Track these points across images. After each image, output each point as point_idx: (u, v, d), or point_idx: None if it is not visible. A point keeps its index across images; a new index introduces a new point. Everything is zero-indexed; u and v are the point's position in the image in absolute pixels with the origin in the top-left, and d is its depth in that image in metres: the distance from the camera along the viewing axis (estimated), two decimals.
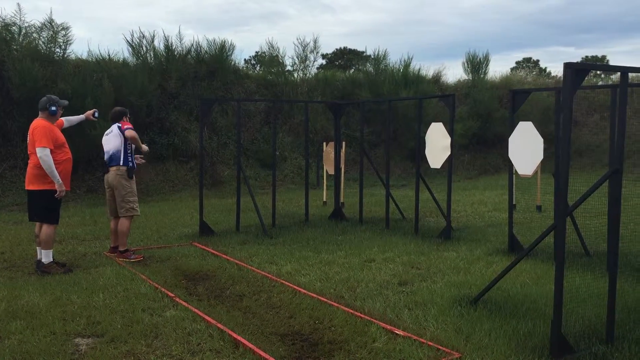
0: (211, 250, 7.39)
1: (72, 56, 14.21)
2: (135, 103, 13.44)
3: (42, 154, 5.99)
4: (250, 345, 4.05)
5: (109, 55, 14.63)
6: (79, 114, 7.38)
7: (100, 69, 13.90)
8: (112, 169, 6.90)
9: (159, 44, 15.60)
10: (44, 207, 6.25)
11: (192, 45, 15.90)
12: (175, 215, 10.47)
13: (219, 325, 4.48)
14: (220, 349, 4.08)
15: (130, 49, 15.17)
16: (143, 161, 7.45)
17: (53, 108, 6.23)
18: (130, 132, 6.88)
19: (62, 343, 4.21)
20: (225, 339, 4.24)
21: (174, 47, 15.45)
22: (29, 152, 6.25)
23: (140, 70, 14.37)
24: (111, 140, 6.93)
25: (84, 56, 14.56)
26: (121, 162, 6.88)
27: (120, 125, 6.98)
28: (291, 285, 5.66)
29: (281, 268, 6.46)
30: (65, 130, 6.76)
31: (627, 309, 4.76)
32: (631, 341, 4.10)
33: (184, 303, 5.07)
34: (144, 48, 15.23)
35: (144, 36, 15.22)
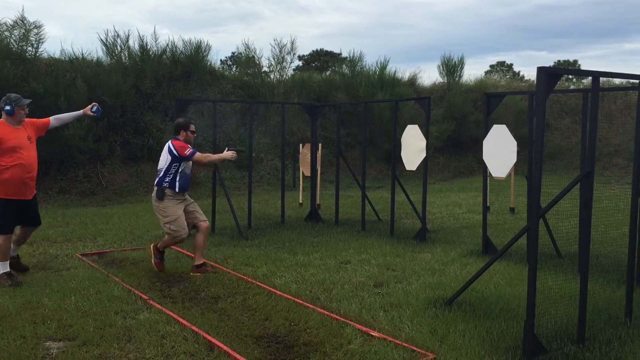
0: (186, 252, 7.33)
1: (45, 55, 14.00)
2: (110, 103, 13.27)
3: None
4: (225, 348, 4.03)
5: (82, 54, 14.45)
6: (54, 114, 6.53)
7: (74, 68, 13.70)
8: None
9: (134, 43, 15.49)
10: None
11: (168, 45, 15.82)
12: (150, 216, 10.35)
13: (193, 327, 4.44)
14: (194, 351, 4.05)
15: (104, 48, 15.04)
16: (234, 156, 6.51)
17: (7, 107, 5.65)
18: (193, 152, 6.15)
19: (33, 347, 4.13)
20: (199, 341, 4.20)
21: (149, 47, 15.33)
22: None
23: (115, 70, 14.21)
24: (161, 157, 6.25)
25: (57, 55, 14.37)
26: (156, 182, 6.18)
27: (172, 143, 6.18)
28: (267, 287, 5.64)
29: (257, 270, 6.43)
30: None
31: (597, 310, 4.84)
32: (602, 341, 4.17)
33: (158, 305, 5.02)
34: (119, 47, 15.08)
35: (118, 35, 15.10)
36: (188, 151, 6.12)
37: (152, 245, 6.38)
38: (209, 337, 4.23)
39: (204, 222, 6.41)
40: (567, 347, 4.07)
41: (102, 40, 14.98)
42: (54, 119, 6.27)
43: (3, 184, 5.61)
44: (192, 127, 6.38)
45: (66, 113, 6.54)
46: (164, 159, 6.15)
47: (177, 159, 6.11)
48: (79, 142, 12.69)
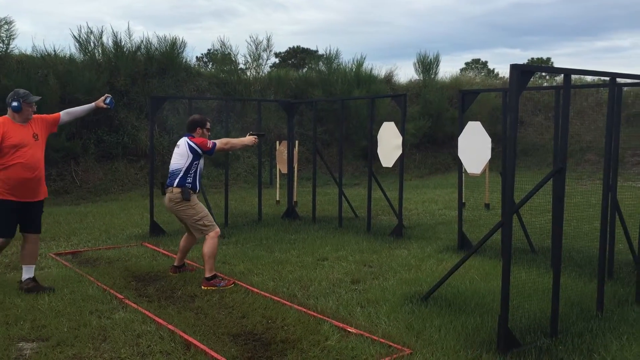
0: (162, 250, 7.28)
1: (16, 51, 13.76)
2: (83, 100, 13.08)
3: None
4: (202, 346, 4.01)
5: (54, 50, 14.23)
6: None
7: (46, 65, 13.49)
8: (167, 191, 5.80)
9: (107, 40, 15.26)
10: None
11: (142, 41, 15.64)
12: (125, 215, 10.26)
13: (169, 326, 4.41)
14: (170, 350, 4.02)
15: (77, 44, 14.81)
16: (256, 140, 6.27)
17: (15, 104, 5.24)
18: (214, 144, 5.88)
19: (5, 348, 4.07)
20: (176, 340, 4.18)
21: (123, 44, 15.14)
22: None
23: (88, 67, 14.02)
24: (176, 157, 5.85)
25: (29, 51, 14.13)
26: (175, 183, 5.72)
27: (190, 140, 5.82)
28: (244, 285, 5.63)
29: (234, 268, 6.42)
30: None
31: (570, 303, 4.93)
32: (574, 334, 4.25)
33: (133, 305, 4.97)
34: (92, 44, 14.88)
35: (91, 32, 14.90)
36: (210, 144, 5.84)
37: (203, 285, 5.59)
38: (185, 336, 4.21)
39: (217, 228, 6.03)
40: (540, 340, 4.14)
41: (74, 36, 14.78)
42: (64, 114, 5.80)
43: (3, 185, 5.21)
44: (209, 125, 6.07)
45: (77, 107, 6.01)
46: (183, 158, 5.75)
47: (199, 156, 5.80)
48: (51, 140, 12.47)
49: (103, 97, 5.98)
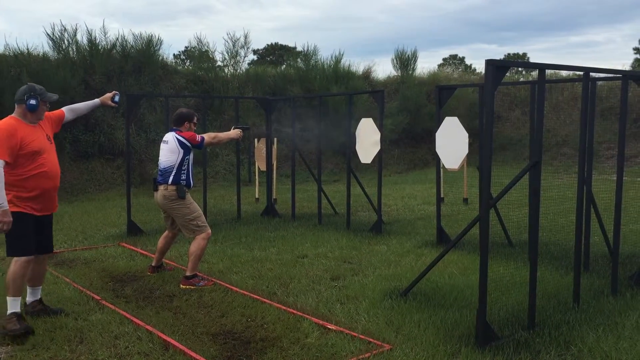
0: (140, 250, 7.20)
1: None
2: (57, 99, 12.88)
3: None
4: (180, 346, 3.97)
5: (27, 49, 14.01)
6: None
7: (19, 64, 13.26)
8: (160, 188, 5.63)
9: (82, 37, 15.05)
10: (5, 235, 4.46)
11: (118, 39, 15.46)
12: (102, 215, 10.13)
13: (147, 327, 4.36)
14: (149, 351, 3.98)
15: (51, 42, 14.58)
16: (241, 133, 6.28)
17: (32, 102, 4.45)
18: (203, 138, 5.78)
19: None
20: (154, 341, 4.13)
21: (97, 41, 14.95)
22: None
23: (62, 65, 13.80)
24: (166, 153, 5.66)
25: (1, 50, 13.87)
26: (170, 180, 5.57)
27: (178, 135, 5.67)
28: (223, 283, 5.60)
29: (213, 266, 6.37)
30: None
31: (547, 296, 4.98)
32: (551, 326, 4.30)
33: (110, 305, 4.91)
34: (66, 42, 14.67)
35: (65, 29, 14.68)
36: (199, 138, 5.73)
37: (182, 284, 5.53)
38: (164, 336, 4.17)
39: (209, 230, 5.90)
40: (518, 333, 4.18)
41: (48, 34, 14.55)
42: (68, 111, 5.09)
43: (23, 197, 4.41)
44: (195, 119, 5.90)
45: (81, 103, 5.31)
46: (174, 154, 5.60)
47: (189, 150, 5.67)
48: None
49: (111, 94, 5.38)
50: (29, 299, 4.78)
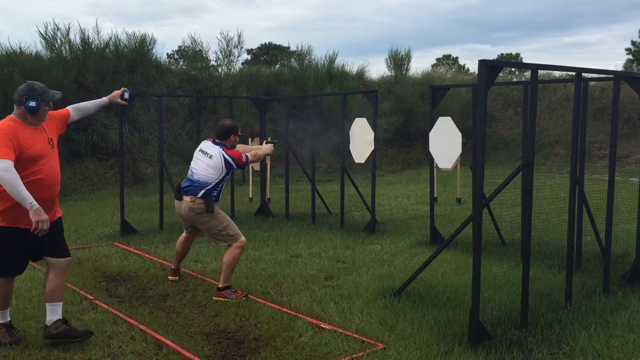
0: (133, 250, 7.19)
1: None
2: (60, 97, 12.84)
3: None
4: (174, 346, 3.97)
5: (20, 48, 13.93)
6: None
7: (11, 63, 13.20)
8: (186, 199, 5.27)
9: (75, 37, 15.00)
10: None
11: (111, 38, 15.40)
12: (95, 214, 10.10)
13: (141, 326, 4.36)
14: (142, 351, 3.97)
15: (43, 41, 14.51)
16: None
17: (32, 103, 3.98)
18: (247, 157, 5.42)
19: None
20: (148, 340, 4.13)
21: (91, 41, 14.90)
22: None
23: (55, 64, 13.75)
24: (206, 167, 5.26)
25: None
26: (200, 194, 5.22)
27: (225, 153, 5.28)
28: (217, 283, 5.59)
29: (206, 266, 6.37)
30: None
31: (539, 295, 5.01)
32: (543, 325, 4.32)
33: (104, 305, 4.90)
34: (59, 41, 14.61)
35: (58, 29, 14.63)
36: (244, 158, 5.37)
37: (215, 295, 5.20)
38: (157, 336, 4.16)
39: (243, 237, 5.53)
40: (511, 332, 4.20)
41: (41, 33, 14.49)
42: (73, 111, 4.63)
43: (7, 209, 3.95)
44: (239, 131, 5.57)
45: (87, 102, 4.82)
46: (217, 172, 5.25)
47: (232, 169, 5.37)
48: None
49: (119, 91, 4.90)
50: (49, 318, 4.13)
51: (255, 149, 5.83)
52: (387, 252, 6.98)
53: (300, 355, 3.89)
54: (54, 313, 4.13)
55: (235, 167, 5.34)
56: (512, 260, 6.17)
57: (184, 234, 5.77)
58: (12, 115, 4.07)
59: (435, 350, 3.90)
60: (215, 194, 5.29)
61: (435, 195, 8.36)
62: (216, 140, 5.44)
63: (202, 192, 5.22)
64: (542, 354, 3.87)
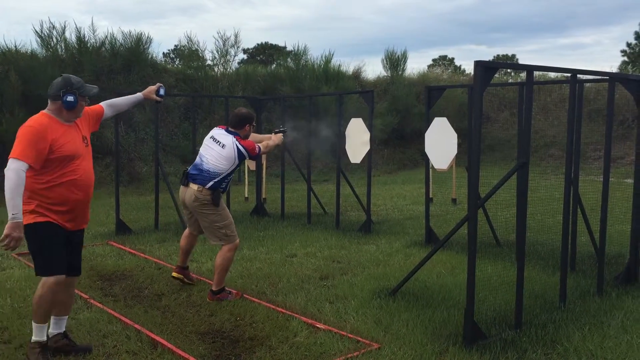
0: (128, 249, 7.18)
1: None
2: (45, 97, 12.79)
3: (9, 168, 3.52)
4: (169, 345, 3.97)
5: (15, 46, 13.90)
6: None
7: (6, 61, 13.16)
8: (192, 186, 5.07)
9: (71, 35, 15.03)
10: (32, 251, 3.79)
11: (107, 37, 15.40)
12: (90, 213, 10.04)
13: (136, 325, 4.36)
14: (137, 350, 3.97)
15: (39, 40, 14.49)
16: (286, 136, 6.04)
17: (70, 98, 3.75)
18: (260, 148, 5.34)
19: None
20: (142, 339, 4.13)
21: (86, 39, 14.90)
22: None
23: (51, 63, 13.73)
24: (218, 157, 5.09)
25: None
26: (209, 185, 5.04)
27: (239, 143, 5.12)
28: (212, 282, 5.58)
29: (202, 265, 6.37)
30: None
31: (534, 296, 5.03)
32: (537, 326, 4.34)
33: (98, 304, 4.90)
34: (54, 39, 14.60)
35: (54, 27, 14.60)
36: (257, 149, 5.25)
37: (209, 297, 5.09)
38: (152, 335, 4.16)
39: (237, 240, 5.36)
40: (505, 332, 4.22)
41: (36, 31, 14.47)
42: (107, 107, 4.34)
43: (45, 206, 3.70)
44: (254, 120, 5.50)
45: (121, 97, 4.50)
46: (229, 163, 5.08)
47: (244, 160, 5.25)
48: (13, 137, 12.21)
49: (155, 87, 4.54)
50: (51, 330, 3.96)
51: (266, 139, 5.76)
52: (383, 252, 6.99)
53: (295, 355, 3.89)
54: (56, 326, 3.98)
55: (248, 157, 5.20)
56: (507, 261, 6.18)
57: (187, 230, 5.55)
58: (45, 111, 3.79)
59: (429, 350, 3.91)
60: (224, 185, 5.11)
61: (430, 196, 8.37)
62: (230, 129, 5.25)
63: (211, 183, 5.03)
64: (536, 354, 3.88)
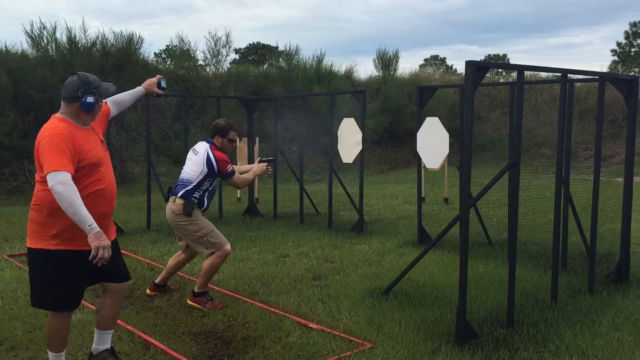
0: (121, 250, 7.13)
1: None
2: (36, 97, 12.74)
3: (54, 182, 3.06)
4: (161, 346, 3.97)
5: (5, 46, 13.84)
6: None
7: None
8: (170, 200, 4.96)
9: (61, 35, 14.94)
10: (39, 280, 3.35)
11: (98, 37, 15.36)
12: None
13: (128, 327, 4.34)
14: (130, 351, 3.96)
15: (29, 40, 14.41)
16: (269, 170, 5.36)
17: (90, 99, 3.35)
18: (234, 172, 4.99)
19: None
20: (135, 340, 4.12)
21: (77, 39, 14.81)
22: (35, 179, 3.42)
23: (41, 63, 13.65)
24: (191, 165, 4.96)
25: None
26: (180, 193, 4.88)
27: (210, 151, 4.93)
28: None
29: (194, 266, 6.34)
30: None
31: (525, 294, 5.05)
32: (529, 324, 4.36)
33: (90, 305, 4.87)
34: (45, 40, 14.51)
35: (44, 27, 14.53)
36: (230, 168, 4.94)
37: (189, 300, 4.98)
38: (145, 336, 4.15)
39: (227, 246, 5.03)
40: (497, 331, 4.23)
41: (27, 32, 14.38)
42: (112, 105, 3.91)
43: (67, 228, 3.23)
44: (232, 134, 5.09)
45: (123, 93, 4.07)
46: (198, 169, 4.88)
47: (214, 174, 4.92)
48: (4, 139, 12.14)
49: (155, 79, 4.20)
50: (95, 346, 3.66)
51: (246, 172, 5.31)
52: (375, 251, 7.00)
53: (288, 355, 3.89)
54: (102, 342, 3.64)
55: (216, 169, 4.87)
56: (499, 260, 6.21)
57: (179, 252, 5.31)
58: (59, 115, 3.37)
59: (422, 350, 3.93)
60: (196, 196, 4.87)
61: (422, 195, 8.40)
62: (208, 139, 5.17)
63: (183, 191, 4.88)
64: (528, 352, 3.90)
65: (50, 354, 3.49)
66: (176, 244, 7.46)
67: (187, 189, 4.88)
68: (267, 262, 6.48)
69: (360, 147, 8.10)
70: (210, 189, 4.96)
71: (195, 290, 4.96)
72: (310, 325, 4.38)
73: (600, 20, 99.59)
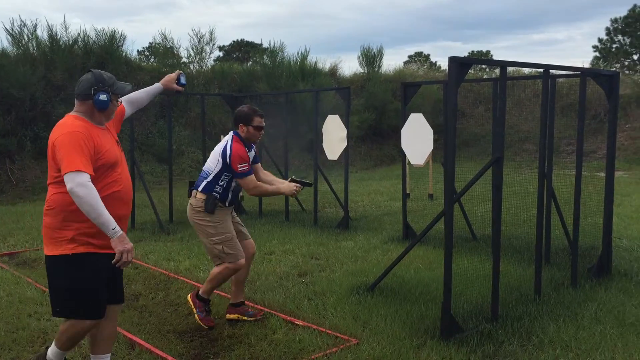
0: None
1: None
2: (17, 96, 12.59)
3: (74, 185, 2.94)
4: (147, 345, 3.95)
5: None
6: None
7: None
8: (191, 196, 4.46)
9: (42, 33, 14.74)
10: (62, 288, 3.15)
11: (79, 34, 15.18)
12: None
13: None
14: (114, 350, 3.93)
15: (10, 38, 14.24)
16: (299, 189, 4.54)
17: (103, 97, 3.22)
18: (249, 172, 4.36)
19: None
20: (119, 340, 4.09)
21: (58, 37, 14.66)
22: (47, 182, 3.33)
23: (22, 61, 13.48)
24: (211, 156, 4.48)
25: None
26: (201, 186, 4.37)
27: (230, 142, 4.38)
28: (190, 281, 5.57)
29: (179, 264, 6.33)
30: None
31: (509, 288, 5.10)
32: (513, 318, 4.40)
33: None
34: (26, 37, 14.35)
35: (25, 25, 14.35)
36: (243, 168, 4.30)
37: (190, 296, 4.57)
38: (129, 335, 4.13)
39: (252, 247, 4.73)
40: (482, 325, 4.27)
41: (7, 29, 14.21)
42: (127, 105, 3.73)
43: (85, 230, 3.10)
44: (258, 121, 4.46)
45: (139, 91, 3.86)
46: (215, 160, 4.39)
47: (227, 168, 4.35)
48: None
49: (174, 75, 3.97)
50: None
51: (277, 183, 4.65)
52: (361, 248, 7.02)
53: (274, 352, 3.89)
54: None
55: (229, 163, 4.31)
56: (483, 255, 6.26)
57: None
58: (74, 113, 3.24)
59: (408, 345, 3.94)
60: (218, 190, 4.33)
61: (407, 192, 8.42)
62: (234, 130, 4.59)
63: (204, 184, 4.36)
64: (512, 346, 3.94)
65: (53, 347, 3.34)
66: (160, 242, 7.43)
67: (207, 180, 4.36)
68: (253, 260, 6.45)
69: (345, 144, 8.11)
70: (234, 185, 4.42)
71: (200, 292, 4.50)
72: (296, 322, 4.38)
73: (582, 16, 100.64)
